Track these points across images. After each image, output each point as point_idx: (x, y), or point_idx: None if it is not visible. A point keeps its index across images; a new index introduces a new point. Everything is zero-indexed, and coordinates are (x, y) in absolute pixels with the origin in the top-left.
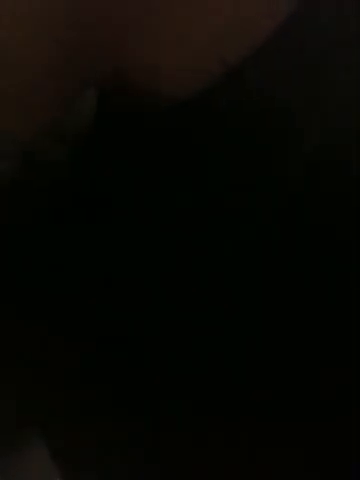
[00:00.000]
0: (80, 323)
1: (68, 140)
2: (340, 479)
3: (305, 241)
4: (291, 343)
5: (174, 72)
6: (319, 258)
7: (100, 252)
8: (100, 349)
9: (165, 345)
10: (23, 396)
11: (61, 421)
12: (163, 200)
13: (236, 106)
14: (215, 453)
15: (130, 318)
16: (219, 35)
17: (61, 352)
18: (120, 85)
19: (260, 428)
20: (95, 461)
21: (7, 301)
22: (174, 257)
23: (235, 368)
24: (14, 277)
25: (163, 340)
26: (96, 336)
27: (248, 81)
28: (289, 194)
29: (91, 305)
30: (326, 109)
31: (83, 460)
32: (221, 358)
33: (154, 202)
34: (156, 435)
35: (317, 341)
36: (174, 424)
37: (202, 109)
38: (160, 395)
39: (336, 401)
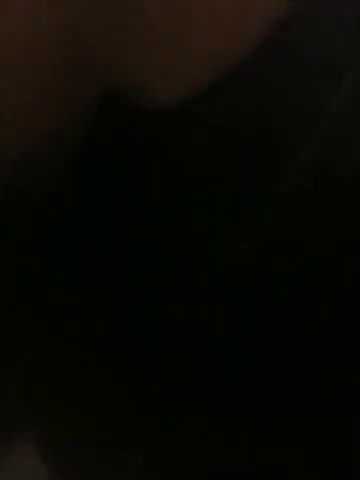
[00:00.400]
0: (79, 322)
1: (68, 145)
2: (340, 479)
3: (304, 243)
4: (291, 342)
5: (169, 79)
6: (319, 261)
7: (99, 252)
8: (100, 349)
9: (165, 345)
10: (15, 396)
11: (53, 422)
12: (162, 203)
13: (233, 111)
14: (215, 453)
15: (129, 318)
16: (215, 41)
17: (58, 352)
18: (118, 91)
19: (260, 428)
20: (87, 462)
21: (6, 301)
22: (174, 256)
23: (235, 368)
24: (14, 277)
25: (162, 340)
26: (95, 336)
27: (245, 86)
28: (285, 200)
29: (90, 305)
30: (323, 116)
31: (74, 461)
32: (221, 358)
33: (153, 205)
34: (156, 435)
35: (317, 341)
36: (174, 424)
37: (197, 115)
38: (160, 395)
39: (336, 401)
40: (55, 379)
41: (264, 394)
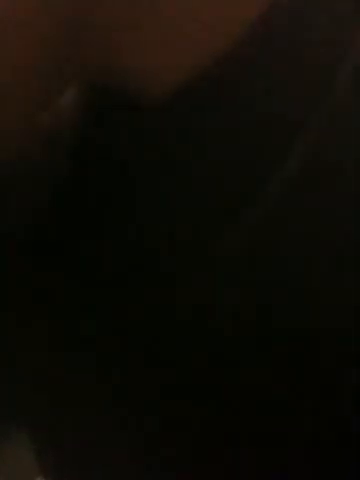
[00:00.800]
0: (79, 322)
1: (55, 141)
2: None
3: (297, 239)
4: (284, 340)
5: (163, 75)
6: (315, 259)
7: (98, 250)
8: (99, 349)
9: (163, 344)
10: (7, 394)
11: (47, 420)
12: (159, 197)
13: (229, 104)
14: (215, 453)
15: (128, 317)
16: (204, 34)
17: (58, 352)
18: (107, 85)
19: (260, 428)
20: (82, 461)
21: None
22: (174, 253)
23: (232, 366)
24: (14, 276)
25: (161, 339)
26: (95, 336)
27: (242, 77)
28: (282, 195)
29: (90, 304)
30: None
31: (68, 460)
32: (218, 356)
33: (151, 200)
34: (155, 437)
35: (311, 339)
36: (173, 428)
37: (191, 109)
38: (159, 395)
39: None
40: (55, 380)
41: (262, 394)
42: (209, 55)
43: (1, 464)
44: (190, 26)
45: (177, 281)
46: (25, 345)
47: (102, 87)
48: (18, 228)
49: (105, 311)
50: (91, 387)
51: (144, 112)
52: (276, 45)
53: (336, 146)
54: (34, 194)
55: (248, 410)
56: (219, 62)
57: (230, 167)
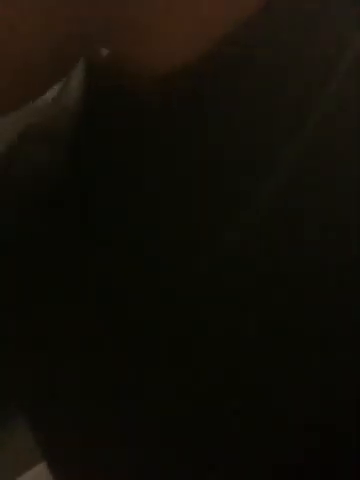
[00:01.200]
0: (79, 321)
1: (55, 139)
2: None
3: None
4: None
5: (169, 48)
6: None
7: (99, 250)
8: (99, 349)
9: (163, 344)
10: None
11: (48, 413)
12: (156, 197)
13: (229, 87)
14: (214, 455)
15: (127, 317)
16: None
17: (59, 352)
18: (106, 83)
19: (260, 428)
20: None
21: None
22: (173, 252)
23: (229, 368)
24: (14, 275)
25: (160, 339)
26: (94, 335)
27: (243, 58)
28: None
29: (89, 303)
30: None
31: (69, 450)
32: (217, 356)
33: (149, 199)
34: (156, 435)
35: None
36: (173, 427)
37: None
38: (160, 397)
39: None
40: (56, 378)
41: (259, 394)
42: (219, 26)
43: (2, 451)
44: (189, 20)
45: (176, 279)
46: (25, 344)
47: (101, 85)
48: (17, 227)
49: (105, 310)
50: (92, 384)
51: (143, 112)
52: (275, 43)
53: (335, 145)
54: (34, 194)
55: (249, 411)
56: (218, 60)
57: (229, 165)
